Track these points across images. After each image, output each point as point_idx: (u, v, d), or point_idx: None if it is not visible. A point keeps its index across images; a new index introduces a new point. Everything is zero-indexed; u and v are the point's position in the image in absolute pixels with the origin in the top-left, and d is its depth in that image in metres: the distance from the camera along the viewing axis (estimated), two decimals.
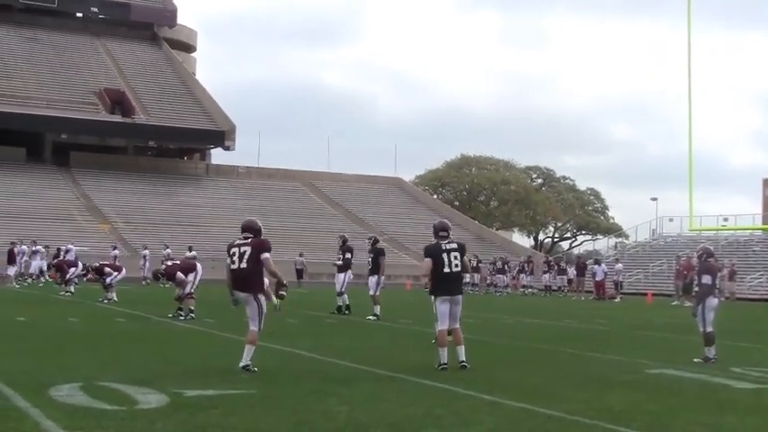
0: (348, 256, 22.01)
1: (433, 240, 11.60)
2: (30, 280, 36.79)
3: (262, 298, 10.66)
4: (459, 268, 11.38)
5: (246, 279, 10.54)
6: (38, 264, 37.29)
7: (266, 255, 10.54)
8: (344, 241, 22.41)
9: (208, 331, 16.25)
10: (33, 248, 36.51)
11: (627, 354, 14.15)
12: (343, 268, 21.86)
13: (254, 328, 10.55)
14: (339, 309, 21.78)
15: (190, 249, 37.02)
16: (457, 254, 11.38)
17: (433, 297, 11.48)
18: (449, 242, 11.50)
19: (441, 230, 11.57)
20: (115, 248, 39.20)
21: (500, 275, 45.33)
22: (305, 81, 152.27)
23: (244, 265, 10.50)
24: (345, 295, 21.82)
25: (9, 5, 71.10)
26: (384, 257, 21.35)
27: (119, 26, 75.39)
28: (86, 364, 10.81)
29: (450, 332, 11.39)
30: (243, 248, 10.59)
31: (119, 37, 75.14)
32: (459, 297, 11.47)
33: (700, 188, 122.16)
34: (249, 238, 10.69)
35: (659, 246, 56.67)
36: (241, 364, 10.36)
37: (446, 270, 11.27)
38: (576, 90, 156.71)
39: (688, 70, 49.00)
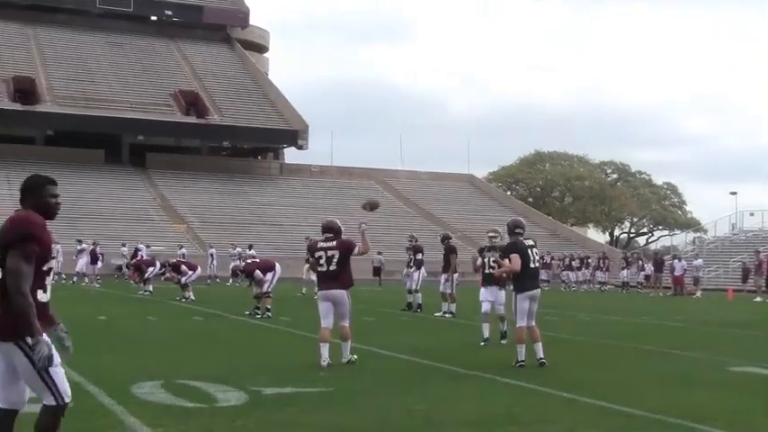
0: (419, 256, 22.15)
1: (508, 238, 11.68)
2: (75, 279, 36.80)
3: (349, 294, 11.07)
4: (538, 264, 11.54)
5: (337, 279, 10.93)
6: (84, 262, 37.72)
7: (355, 250, 11.01)
8: (414, 241, 22.58)
9: (284, 329, 16.39)
10: (79, 247, 37.27)
11: (708, 351, 13.90)
12: (416, 267, 22.04)
13: (345, 324, 10.96)
14: (409, 305, 22.02)
15: (250, 248, 37.55)
16: (536, 250, 11.58)
17: (514, 293, 11.46)
18: (525, 239, 11.55)
19: (517, 227, 11.60)
20: (182, 248, 39.74)
21: (568, 272, 44.97)
22: (376, 80, 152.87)
23: (333, 267, 10.92)
24: (419, 294, 21.96)
25: (87, 11, 72.72)
26: (456, 255, 21.26)
27: (192, 28, 76.51)
28: (166, 362, 10.99)
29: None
30: (330, 252, 10.98)
31: (192, 39, 76.24)
32: (539, 292, 11.51)
33: None
34: (330, 238, 11.05)
35: (739, 240, 55.47)
36: (344, 360, 10.84)
37: (532, 266, 11.37)
38: (650, 83, 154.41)
39: None
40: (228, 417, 7.45)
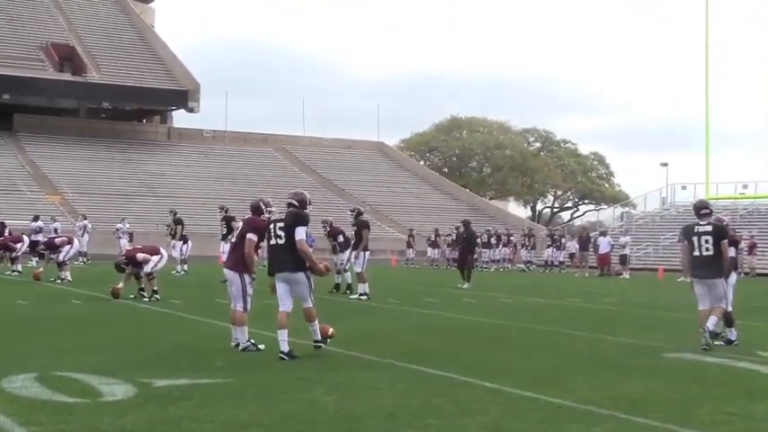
0: (341, 238, 22.43)
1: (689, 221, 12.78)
2: None
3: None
4: (710, 252, 12.34)
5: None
6: None
7: (250, 235, 11.32)
8: (328, 226, 22.78)
9: (175, 314, 16.23)
10: None
11: (640, 336, 14.19)
12: (342, 249, 22.15)
13: (243, 306, 11.45)
14: (337, 287, 22.22)
15: (84, 217, 37.69)
16: (709, 237, 12.38)
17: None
18: (705, 224, 12.49)
19: (701, 209, 12.68)
20: (36, 220, 38.91)
21: (486, 250, 44.47)
22: (275, 38, 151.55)
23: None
24: (349, 273, 22.05)
25: None
26: (368, 231, 21.47)
27: None
28: (41, 352, 10.80)
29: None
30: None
31: None
32: (712, 281, 12.42)
33: (715, 152, 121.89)
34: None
35: (671, 216, 56.76)
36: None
37: (695, 253, 12.41)
38: (579, 47, 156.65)
39: (705, 24, 49.16)
40: (115, 413, 7.33)
